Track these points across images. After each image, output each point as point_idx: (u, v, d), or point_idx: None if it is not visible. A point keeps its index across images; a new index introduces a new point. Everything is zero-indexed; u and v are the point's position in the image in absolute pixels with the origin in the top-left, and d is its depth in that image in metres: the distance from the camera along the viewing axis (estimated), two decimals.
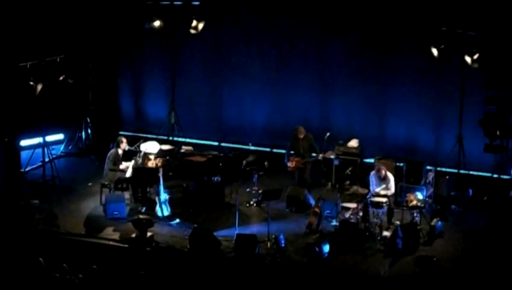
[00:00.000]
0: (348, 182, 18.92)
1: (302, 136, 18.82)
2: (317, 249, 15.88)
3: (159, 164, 18.13)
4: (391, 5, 19.85)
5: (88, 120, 21.66)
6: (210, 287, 15.02)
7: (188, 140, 21.44)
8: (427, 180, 18.45)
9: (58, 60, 19.85)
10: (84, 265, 14.34)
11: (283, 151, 19.44)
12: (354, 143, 19.73)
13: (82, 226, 17.40)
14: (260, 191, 18.01)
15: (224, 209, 18.14)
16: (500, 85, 18.21)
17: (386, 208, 17.03)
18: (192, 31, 20.48)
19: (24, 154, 20.27)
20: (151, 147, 18.75)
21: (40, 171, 19.53)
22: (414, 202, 17.16)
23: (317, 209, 17.31)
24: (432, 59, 18.80)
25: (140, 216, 16.92)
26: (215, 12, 21.22)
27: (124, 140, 18.53)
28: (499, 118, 18.05)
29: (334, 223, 17.17)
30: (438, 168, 19.00)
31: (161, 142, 19.77)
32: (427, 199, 18.01)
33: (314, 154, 18.86)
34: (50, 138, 20.95)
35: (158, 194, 17.74)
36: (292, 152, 18.97)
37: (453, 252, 16.49)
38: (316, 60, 20.95)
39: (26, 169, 19.91)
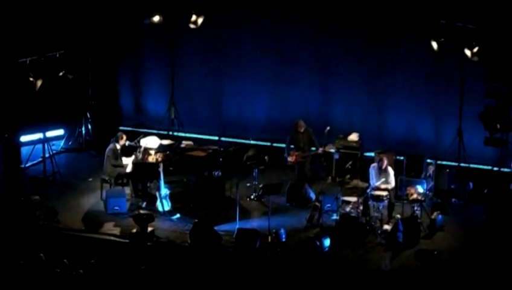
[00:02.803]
0: (348, 176, 18.93)
1: (302, 130, 18.83)
2: (317, 243, 15.89)
3: (159, 159, 18.14)
4: None
5: (88, 115, 21.66)
6: (211, 282, 15.02)
7: (188, 135, 21.44)
8: (428, 174, 18.44)
9: (57, 55, 19.82)
10: (84, 260, 14.34)
11: (283, 145, 19.44)
12: (354, 137, 19.73)
13: (82, 221, 17.41)
14: (260, 186, 18.00)
15: (224, 203, 18.14)
16: (500, 78, 18.21)
17: (386, 201, 17.02)
18: (192, 26, 20.48)
19: (24, 150, 20.29)
20: (151, 142, 18.76)
21: (41, 166, 19.54)
22: (414, 196, 17.16)
23: (317, 204, 17.31)
24: (431, 52, 18.78)
25: (141, 211, 16.93)
26: (215, 6, 21.19)
27: (124, 136, 18.52)
28: (499, 112, 18.05)
29: (335, 217, 17.18)
30: (438, 162, 18.99)
31: (161, 137, 19.79)
32: (427, 193, 18.00)
33: (313, 149, 18.85)
34: (50, 134, 20.95)
35: (158, 189, 17.74)
36: (292, 146, 18.96)
37: (453, 245, 16.49)
38: (315, 54, 20.94)
39: (27, 165, 19.91)
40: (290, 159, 18.87)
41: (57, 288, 13.66)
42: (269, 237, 16.42)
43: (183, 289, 14.72)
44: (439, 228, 16.99)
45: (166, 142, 19.40)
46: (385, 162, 17.40)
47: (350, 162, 18.60)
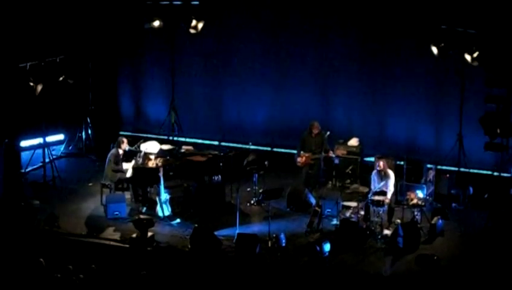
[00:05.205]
0: (348, 181, 18.94)
1: (316, 132, 18.71)
2: (318, 248, 15.86)
3: (160, 164, 18.13)
4: (391, 4, 19.86)
5: (88, 120, 21.68)
6: (211, 287, 15.02)
7: (188, 140, 21.45)
8: (428, 179, 18.43)
9: (58, 60, 19.85)
10: (85, 265, 14.33)
11: (283, 150, 19.39)
12: (354, 142, 19.72)
13: (83, 226, 17.40)
14: (261, 191, 18.00)
15: (224, 208, 18.14)
16: (500, 83, 18.22)
17: (386, 206, 17.02)
18: (192, 31, 20.50)
19: (24, 155, 20.29)
20: (151, 146, 18.75)
21: (41, 171, 19.55)
22: (415, 201, 17.16)
23: (317, 208, 17.29)
24: (432, 57, 18.79)
25: (141, 216, 16.91)
26: (215, 11, 21.22)
27: (125, 140, 18.52)
28: (499, 116, 18.06)
29: (335, 222, 17.18)
30: (439, 167, 18.98)
31: (161, 142, 19.78)
32: (427, 197, 18.00)
33: (323, 153, 18.72)
34: (50, 139, 20.97)
35: (159, 194, 17.73)
36: (302, 152, 18.82)
37: (453, 250, 16.48)
38: (316, 59, 20.95)
39: (27, 170, 19.91)
40: (299, 159, 18.79)
41: None
42: (269, 242, 16.40)
43: None
44: (439, 233, 16.97)
45: (166, 147, 19.40)
46: (381, 163, 17.38)
47: (350, 167, 18.62)
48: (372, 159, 19.23)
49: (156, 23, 20.56)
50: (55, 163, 19.74)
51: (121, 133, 21.73)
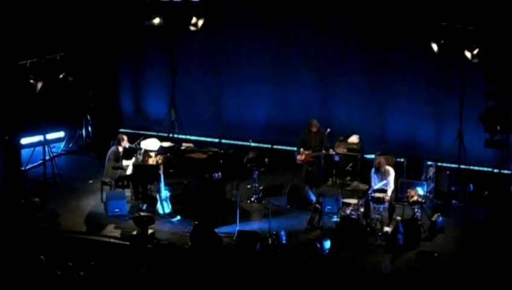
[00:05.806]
0: (348, 178, 18.94)
1: (315, 130, 18.74)
2: (318, 245, 15.88)
3: (160, 161, 18.13)
4: (391, 1, 19.85)
5: (88, 118, 21.66)
6: (211, 284, 15.02)
7: (188, 137, 21.44)
8: (428, 176, 18.44)
9: (58, 58, 19.84)
10: (85, 263, 14.34)
11: (283, 147, 19.36)
12: (354, 139, 19.73)
13: (83, 223, 17.40)
14: (261, 188, 18.00)
15: (225, 206, 18.14)
16: (500, 80, 18.22)
17: (387, 203, 17.01)
18: (192, 28, 20.50)
19: (25, 153, 20.28)
20: (151, 144, 18.77)
21: (41, 169, 19.54)
22: (415, 198, 17.15)
23: (318, 206, 17.30)
24: (432, 54, 18.79)
25: (141, 213, 16.92)
26: (215, 8, 21.21)
27: (125, 138, 18.51)
28: (499, 113, 18.05)
29: (335, 219, 17.18)
30: (439, 164, 19.00)
31: (161, 139, 19.80)
32: (428, 195, 18.01)
33: (323, 151, 18.72)
34: (50, 136, 20.96)
35: (159, 192, 17.73)
36: (302, 149, 18.84)
37: (454, 247, 16.49)
38: (315, 56, 20.94)
39: (27, 167, 19.91)
40: (299, 157, 18.79)
41: None
42: (269, 239, 16.40)
43: None
44: (440, 230, 16.98)
45: (166, 144, 19.42)
46: (381, 161, 17.35)
47: (350, 164, 18.62)
48: (372, 156, 19.23)
49: (156, 21, 20.55)
50: (55, 160, 19.74)
51: (121, 130, 21.78)
